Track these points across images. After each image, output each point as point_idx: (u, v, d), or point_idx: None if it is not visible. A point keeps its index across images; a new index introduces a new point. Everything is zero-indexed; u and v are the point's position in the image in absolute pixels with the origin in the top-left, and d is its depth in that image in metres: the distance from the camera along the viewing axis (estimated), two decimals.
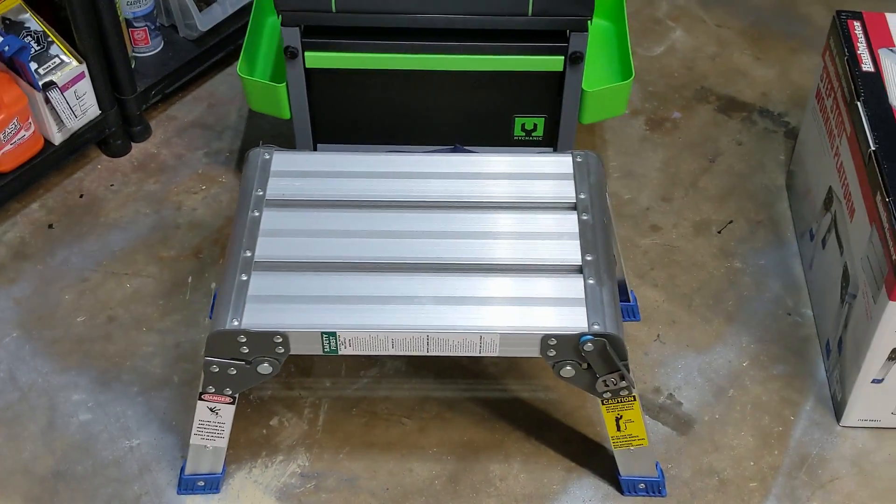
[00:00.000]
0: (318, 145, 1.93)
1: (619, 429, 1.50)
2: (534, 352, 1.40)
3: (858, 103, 1.62)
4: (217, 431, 1.50)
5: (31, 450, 1.63)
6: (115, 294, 1.86)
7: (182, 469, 1.58)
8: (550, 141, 1.91)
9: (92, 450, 1.63)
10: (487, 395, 1.72)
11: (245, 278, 1.42)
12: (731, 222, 2.00)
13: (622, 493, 1.58)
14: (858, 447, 1.65)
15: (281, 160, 1.57)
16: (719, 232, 1.98)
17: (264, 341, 1.38)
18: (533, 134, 1.90)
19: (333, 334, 1.38)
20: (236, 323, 1.37)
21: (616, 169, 2.10)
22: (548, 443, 1.65)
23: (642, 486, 1.58)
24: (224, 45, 2.21)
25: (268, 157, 1.58)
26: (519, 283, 1.44)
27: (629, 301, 1.83)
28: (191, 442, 1.51)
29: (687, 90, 2.28)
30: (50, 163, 1.97)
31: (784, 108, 2.24)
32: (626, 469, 1.57)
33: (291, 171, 1.56)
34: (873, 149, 1.54)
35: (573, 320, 1.39)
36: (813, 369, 1.75)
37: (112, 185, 2.06)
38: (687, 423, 1.68)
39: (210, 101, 2.24)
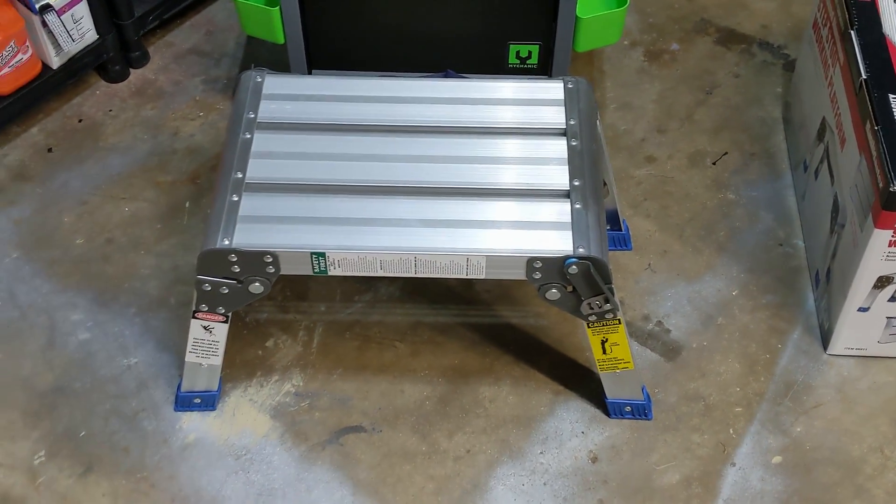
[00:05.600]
0: (313, 71, 1.93)
1: (604, 352, 1.52)
2: (519, 274, 1.42)
3: (852, 32, 1.61)
4: (211, 349, 1.53)
5: (30, 366, 1.67)
6: (113, 217, 1.89)
7: (178, 386, 1.62)
8: (545, 69, 1.91)
9: (90, 367, 1.67)
10: (479, 320, 1.74)
11: (236, 199, 1.44)
12: (725, 154, 2.01)
13: (609, 415, 1.62)
14: (844, 375, 1.67)
15: (273, 83, 1.58)
16: (713, 164, 1.99)
17: (255, 261, 1.41)
18: (528, 62, 1.90)
19: (323, 255, 1.40)
20: (227, 242, 1.39)
21: (613, 100, 2.10)
22: (537, 367, 1.68)
23: (628, 409, 1.61)
24: None
25: (260, 79, 1.58)
26: (507, 207, 1.45)
27: (621, 230, 1.84)
28: (186, 359, 1.55)
29: (687, 22, 2.26)
30: (48, 87, 1.98)
31: (784, 40, 2.22)
32: (612, 392, 1.60)
33: (283, 94, 1.57)
34: (864, 77, 1.54)
35: (559, 243, 1.40)
36: (802, 299, 1.77)
37: (110, 111, 2.07)
38: (674, 350, 1.71)
39: (208, 28, 2.24)
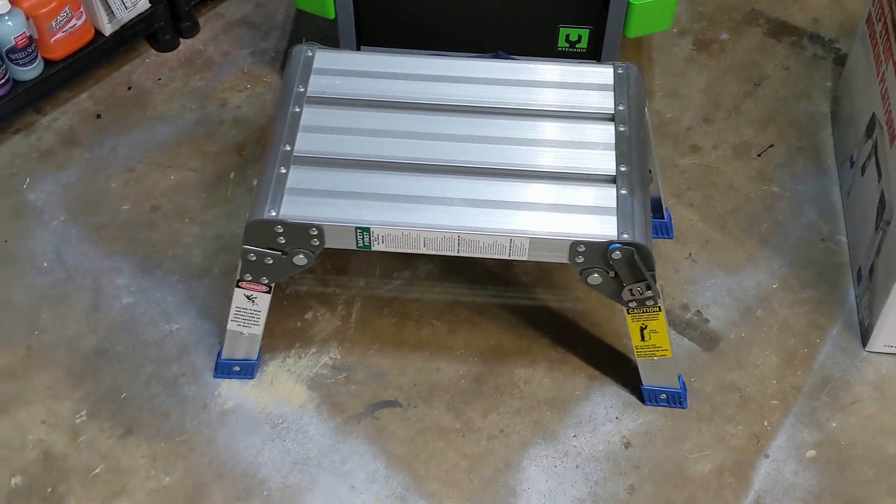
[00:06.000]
0: (362, 47, 1.94)
1: (643, 338, 1.53)
2: (562, 257, 1.42)
3: None
4: (253, 319, 1.55)
5: (75, 328, 1.70)
6: (159, 185, 1.91)
7: (219, 354, 1.64)
8: (594, 53, 1.90)
9: (133, 331, 1.70)
10: (517, 302, 1.75)
11: (284, 171, 1.45)
12: (771, 146, 1.99)
13: (643, 402, 1.62)
14: (882, 372, 1.66)
15: (323, 58, 1.59)
16: (759, 156, 1.98)
17: (300, 233, 1.42)
18: (577, 45, 1.90)
19: (367, 230, 1.41)
20: (274, 213, 1.41)
21: (660, 88, 2.09)
22: (573, 351, 1.68)
23: (664, 396, 1.61)
24: None
25: (310, 54, 1.59)
26: (552, 190, 1.46)
27: (664, 218, 1.84)
28: (227, 327, 1.57)
29: (737, 12, 2.25)
30: (100, 53, 2.00)
31: (835, 34, 2.20)
32: (648, 379, 1.60)
33: (333, 69, 1.58)
34: None
35: (603, 228, 1.41)
36: (843, 295, 1.76)
37: (159, 80, 2.09)
38: (712, 340, 1.70)
39: (258, 0, 2.25)
